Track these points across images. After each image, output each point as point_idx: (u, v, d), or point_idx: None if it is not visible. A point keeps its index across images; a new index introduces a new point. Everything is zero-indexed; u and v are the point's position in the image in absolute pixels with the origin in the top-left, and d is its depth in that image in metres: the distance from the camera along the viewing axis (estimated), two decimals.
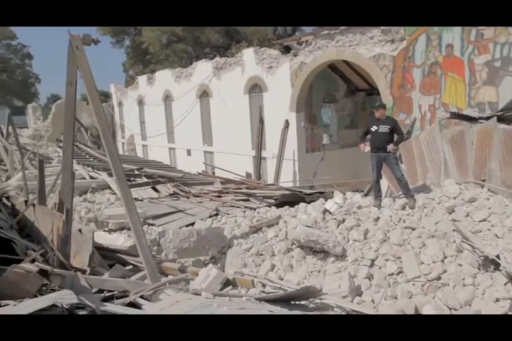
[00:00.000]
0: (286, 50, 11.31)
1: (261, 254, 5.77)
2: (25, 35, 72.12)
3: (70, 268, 4.51)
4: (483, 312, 3.74)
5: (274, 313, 3.57)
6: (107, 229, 7.09)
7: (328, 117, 11.98)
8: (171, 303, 3.81)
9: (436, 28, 7.67)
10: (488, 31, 6.96)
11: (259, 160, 11.96)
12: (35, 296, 3.46)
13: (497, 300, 4.07)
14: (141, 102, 19.22)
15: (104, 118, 4.92)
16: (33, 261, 4.04)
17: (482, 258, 4.50)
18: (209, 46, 25.69)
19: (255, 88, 12.48)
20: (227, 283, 4.88)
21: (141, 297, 4.00)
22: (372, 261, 5.07)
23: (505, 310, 3.91)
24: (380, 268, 4.96)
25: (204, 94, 14.67)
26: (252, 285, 4.89)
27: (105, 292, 4.14)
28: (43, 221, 5.29)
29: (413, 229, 5.39)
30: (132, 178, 10.32)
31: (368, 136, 6.50)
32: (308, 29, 22.31)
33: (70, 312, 3.19)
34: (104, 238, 5.76)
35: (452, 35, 7.48)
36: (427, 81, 7.99)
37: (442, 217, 5.49)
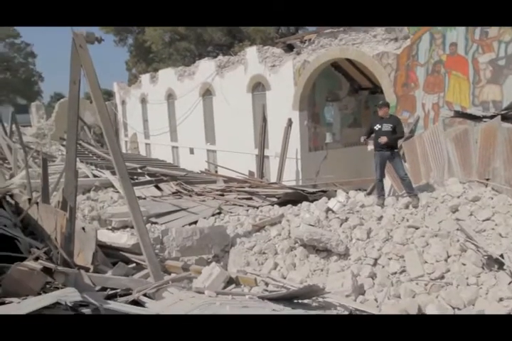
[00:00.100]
0: (289, 48, 11.28)
1: (264, 253, 5.77)
2: (29, 33, 72.33)
3: (73, 266, 4.52)
4: (487, 312, 3.73)
5: (277, 312, 3.57)
6: (110, 227, 7.10)
7: (331, 116, 11.96)
8: (174, 301, 3.82)
9: (440, 27, 7.63)
10: (493, 30, 6.92)
11: (261, 159, 11.95)
12: (39, 294, 3.46)
13: (501, 299, 4.06)
14: (144, 101, 19.24)
15: (108, 117, 4.93)
16: (36, 258, 4.05)
17: (486, 257, 4.48)
18: (212, 44, 25.68)
19: (258, 86, 12.47)
20: (230, 281, 4.89)
21: (145, 295, 4.01)
22: (376, 260, 5.06)
23: (508, 310, 3.89)
24: (383, 267, 4.96)
25: (207, 93, 14.67)
26: (254, 284, 4.89)
27: (108, 290, 4.15)
28: (47, 219, 5.30)
29: (416, 228, 5.38)
30: (135, 177, 10.33)
31: (372, 135, 6.48)
32: (311, 27, 22.26)
33: (73, 310, 3.20)
34: (107, 236, 5.78)
35: (456, 33, 7.44)
36: (431, 79, 7.96)
37: (446, 216, 5.47)
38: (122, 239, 5.69)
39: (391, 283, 4.69)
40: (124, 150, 20.47)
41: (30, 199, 6.16)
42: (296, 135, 11.14)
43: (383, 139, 6.08)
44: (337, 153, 11.75)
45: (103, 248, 5.37)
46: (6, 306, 3.07)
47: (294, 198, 7.75)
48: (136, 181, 9.80)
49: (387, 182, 7.42)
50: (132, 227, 6.05)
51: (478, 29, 7.11)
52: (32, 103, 28.34)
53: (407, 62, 8.30)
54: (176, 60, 24.81)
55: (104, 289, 4.18)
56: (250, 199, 8.39)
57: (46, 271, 3.71)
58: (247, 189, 9.01)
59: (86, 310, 3.24)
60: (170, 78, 16.66)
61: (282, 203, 7.64)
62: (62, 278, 3.89)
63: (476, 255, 4.59)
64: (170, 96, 17.04)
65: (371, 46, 8.93)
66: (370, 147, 6.48)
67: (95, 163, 11.98)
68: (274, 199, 8.05)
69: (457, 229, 5.11)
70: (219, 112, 14.15)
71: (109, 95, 25.63)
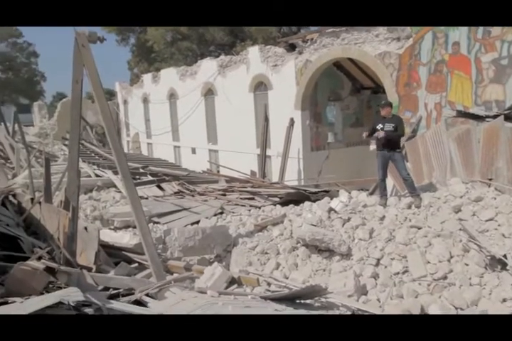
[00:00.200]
0: (291, 48, 11.28)
1: (266, 253, 5.76)
2: (31, 33, 72.46)
3: (76, 265, 4.53)
4: (490, 313, 3.71)
5: (279, 312, 3.56)
6: (112, 227, 7.11)
7: (333, 115, 11.94)
8: (176, 301, 3.82)
9: (442, 26, 7.62)
10: (496, 29, 6.90)
11: (264, 159, 11.95)
12: (42, 293, 3.47)
13: (504, 300, 4.04)
14: (146, 100, 19.25)
15: (110, 117, 4.93)
16: (39, 258, 4.06)
17: (489, 257, 4.47)
18: (214, 44, 25.67)
19: (260, 86, 12.46)
20: (233, 281, 4.88)
21: (147, 295, 4.01)
22: (378, 260, 5.05)
23: None
24: (385, 267, 4.94)
25: (209, 92, 14.67)
26: (257, 284, 4.89)
27: (111, 290, 4.15)
28: (49, 219, 5.31)
29: (419, 228, 5.36)
30: (137, 176, 10.34)
31: (375, 135, 6.47)
32: (313, 27, 22.22)
33: (76, 310, 3.20)
34: (109, 236, 5.79)
35: (459, 33, 7.42)
36: (433, 79, 7.94)
37: (448, 216, 5.46)
38: (124, 238, 5.69)
39: (394, 283, 4.68)
40: (126, 150, 20.48)
41: (32, 199, 6.18)
42: (298, 135, 11.13)
43: (380, 133, 6.07)
44: (339, 153, 11.74)
45: (105, 248, 5.37)
46: (9, 306, 3.08)
47: (296, 198, 7.74)
48: (138, 181, 9.81)
49: (390, 182, 7.41)
50: (134, 227, 6.06)
51: (480, 28, 7.09)
52: (34, 103, 28.41)
53: (409, 62, 8.28)
54: (178, 60, 24.82)
55: (106, 289, 4.18)
56: (252, 199, 8.39)
57: (49, 270, 3.72)
58: (249, 189, 9.01)
59: (89, 310, 3.24)
60: (172, 78, 16.66)
61: (284, 203, 7.63)
62: (65, 278, 3.89)
63: (479, 255, 4.58)
64: (172, 96, 17.05)
65: (373, 46, 8.92)
66: (372, 147, 6.47)
67: (97, 162, 12.00)
68: (276, 199, 8.05)
69: (460, 229, 5.10)
70: (221, 112, 14.15)
71: (111, 95, 25.68)
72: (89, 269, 4.53)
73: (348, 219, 5.87)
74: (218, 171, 13.17)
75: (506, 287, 4.14)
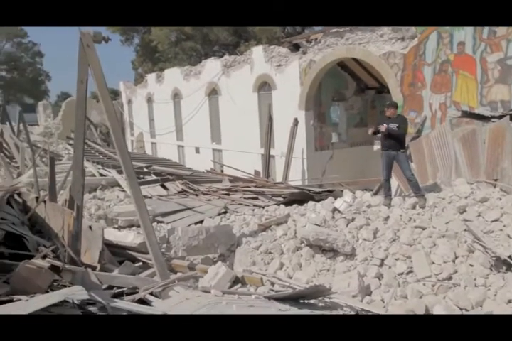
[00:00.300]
0: (296, 47, 11.27)
1: (270, 252, 5.76)
2: (36, 33, 72.81)
3: (80, 264, 4.55)
4: (495, 314, 3.70)
5: (283, 312, 3.56)
6: (116, 226, 7.13)
7: (337, 115, 11.92)
8: (180, 300, 3.82)
9: (447, 26, 7.58)
10: (501, 29, 6.87)
11: (267, 159, 11.95)
12: (47, 292, 3.49)
13: (509, 301, 4.02)
14: (150, 100, 19.30)
15: (115, 116, 4.94)
16: (44, 257, 4.08)
17: (494, 258, 4.45)
18: (218, 44, 25.70)
19: (264, 86, 12.46)
20: (236, 281, 4.89)
21: (151, 294, 4.02)
22: (382, 260, 5.04)
23: None
24: (389, 267, 4.93)
25: (213, 92, 14.68)
26: (260, 284, 4.89)
27: (115, 288, 4.17)
28: (54, 217, 5.33)
29: (423, 229, 5.34)
30: (141, 176, 10.36)
31: (378, 135, 6.45)
32: (317, 27, 22.19)
33: (80, 308, 3.21)
34: (113, 235, 5.80)
35: (464, 32, 7.39)
36: (438, 79, 7.91)
37: (453, 217, 5.43)
38: (129, 237, 5.70)
39: (398, 283, 4.66)
40: (130, 150, 20.54)
41: (37, 198, 6.20)
42: (302, 134, 11.12)
43: (383, 126, 6.06)
44: (343, 153, 11.72)
45: (109, 246, 5.39)
46: (14, 304, 3.10)
47: (300, 198, 7.73)
48: (143, 180, 9.83)
49: (394, 182, 7.39)
50: (138, 226, 6.07)
51: (486, 28, 7.05)
52: (39, 102, 28.54)
53: (414, 62, 8.25)
54: (182, 60, 24.86)
55: (110, 287, 4.20)
56: (256, 198, 8.39)
57: (54, 269, 3.73)
58: (252, 188, 9.01)
59: (93, 308, 3.26)
60: (176, 77, 16.69)
61: (288, 203, 7.63)
62: (70, 277, 3.91)
63: (484, 256, 4.56)
64: (176, 96, 17.08)
65: (378, 46, 8.89)
66: (377, 147, 6.46)
67: (102, 161, 12.03)
68: (280, 199, 8.04)
69: (465, 230, 5.07)
70: (225, 112, 14.16)
71: (115, 94, 25.74)
72: (94, 268, 4.54)
73: (352, 219, 5.86)
74: (222, 171, 13.17)
75: (511, 288, 4.12)
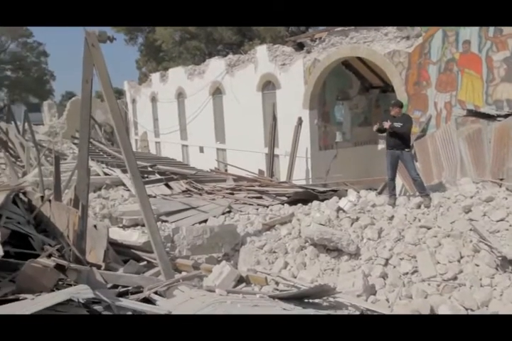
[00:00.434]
0: (300, 47, 11.24)
1: (274, 252, 5.76)
2: (41, 33, 73.13)
3: (85, 263, 4.57)
4: (501, 314, 3.67)
5: (287, 312, 3.56)
6: (121, 225, 7.15)
7: (342, 115, 11.89)
8: (184, 299, 3.83)
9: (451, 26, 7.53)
10: (507, 27, 6.80)
11: (271, 158, 11.94)
12: (52, 290, 3.50)
13: None
14: (154, 99, 19.33)
15: (120, 116, 4.96)
16: (49, 255, 4.10)
17: (500, 258, 4.42)
18: (222, 43, 25.71)
19: (268, 85, 12.44)
20: (241, 280, 4.89)
21: (156, 293, 4.03)
22: (387, 260, 5.02)
23: None
24: (394, 267, 4.91)
25: (217, 92, 14.68)
26: (265, 283, 4.89)
27: (120, 287, 4.18)
28: (59, 216, 5.36)
29: (428, 228, 5.32)
30: (145, 175, 10.39)
31: (383, 134, 6.43)
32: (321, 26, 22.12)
33: (86, 307, 3.23)
34: (118, 234, 5.82)
35: (470, 31, 7.33)
36: (443, 78, 7.86)
37: (458, 217, 5.41)
38: (133, 236, 5.72)
39: (403, 283, 4.65)
40: (134, 149, 20.55)
41: (42, 197, 6.23)
42: (306, 134, 11.10)
43: (387, 124, 6.04)
44: (347, 152, 11.69)
45: (114, 246, 5.40)
46: (20, 302, 3.11)
47: (304, 197, 7.72)
48: (147, 179, 9.85)
49: (399, 181, 7.36)
50: (143, 225, 6.08)
51: (492, 26, 7.00)
52: (44, 102, 28.71)
53: (419, 61, 8.21)
54: (186, 59, 24.90)
55: (115, 286, 4.21)
56: (260, 198, 8.38)
57: (59, 268, 3.75)
58: (257, 188, 9.01)
59: (98, 307, 3.27)
60: (180, 77, 16.71)
61: (292, 202, 7.62)
62: (75, 275, 3.93)
63: (490, 256, 4.53)
64: (180, 95, 17.09)
65: (382, 44, 8.85)
66: (381, 146, 6.44)
67: (106, 161, 12.08)
68: (284, 198, 8.04)
69: (470, 230, 5.05)
70: (229, 111, 14.16)
71: (119, 94, 25.80)
72: (99, 267, 4.56)
73: (357, 219, 5.84)
74: (226, 170, 13.18)
75: None
